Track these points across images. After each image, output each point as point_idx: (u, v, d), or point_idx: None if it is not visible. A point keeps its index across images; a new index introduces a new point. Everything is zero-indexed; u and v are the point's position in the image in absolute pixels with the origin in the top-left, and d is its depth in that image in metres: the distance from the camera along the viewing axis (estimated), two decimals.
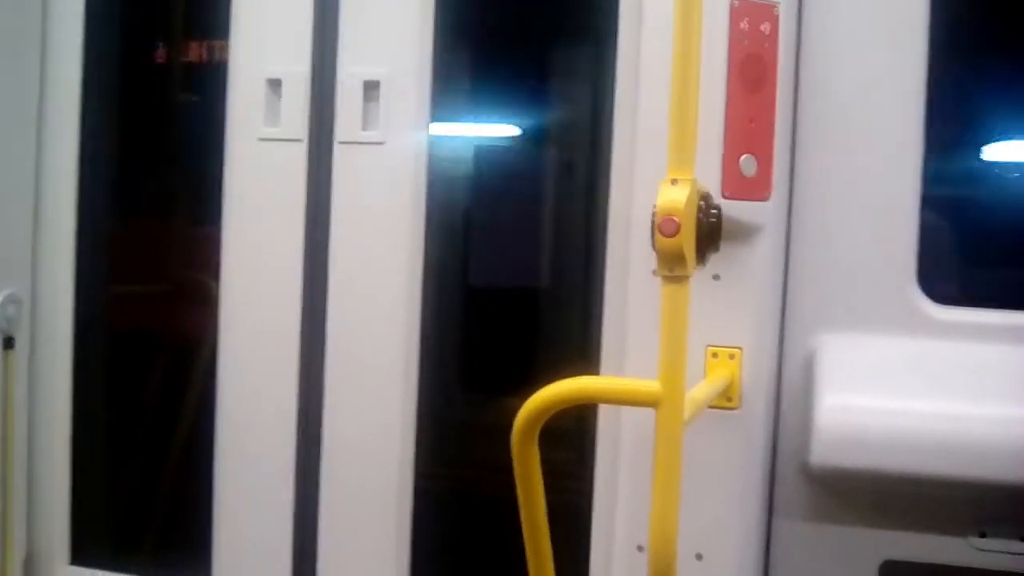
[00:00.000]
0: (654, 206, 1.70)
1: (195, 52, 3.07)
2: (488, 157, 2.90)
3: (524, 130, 2.90)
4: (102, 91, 2.95)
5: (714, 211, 1.87)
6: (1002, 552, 2.18)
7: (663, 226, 1.68)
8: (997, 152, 2.43)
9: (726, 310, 2.22)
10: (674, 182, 1.71)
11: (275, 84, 2.65)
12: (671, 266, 1.69)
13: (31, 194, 2.88)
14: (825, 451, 2.12)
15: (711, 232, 1.84)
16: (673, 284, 1.70)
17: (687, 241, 1.69)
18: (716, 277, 2.22)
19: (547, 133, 2.85)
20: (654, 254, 1.71)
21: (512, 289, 2.93)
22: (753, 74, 2.16)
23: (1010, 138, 2.40)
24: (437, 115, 2.61)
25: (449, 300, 2.79)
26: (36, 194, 2.89)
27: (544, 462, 1.85)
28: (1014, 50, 2.37)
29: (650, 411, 1.71)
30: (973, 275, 2.44)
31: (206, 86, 2.84)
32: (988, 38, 2.38)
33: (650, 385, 1.71)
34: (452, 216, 2.78)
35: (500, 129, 2.93)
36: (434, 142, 2.60)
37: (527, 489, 1.84)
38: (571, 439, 2.57)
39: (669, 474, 1.69)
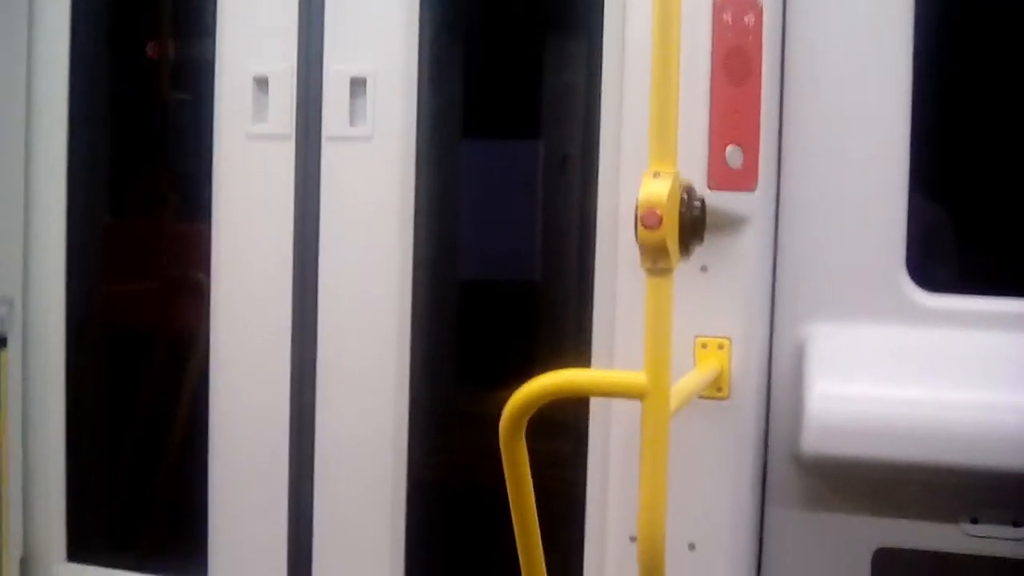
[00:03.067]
0: (637, 199, 1.71)
1: (182, 50, 3.07)
2: (477, 152, 2.90)
3: (513, 124, 2.89)
4: (90, 91, 2.95)
5: (697, 203, 1.87)
6: (994, 538, 2.19)
7: (645, 219, 1.68)
8: (984, 138, 2.42)
9: (715, 301, 2.23)
10: (656, 175, 1.71)
11: (262, 81, 2.65)
12: (654, 259, 1.70)
13: (21, 194, 2.88)
14: (816, 439, 2.13)
15: (694, 224, 1.84)
16: (657, 276, 1.70)
17: (670, 233, 1.69)
18: (704, 268, 2.22)
19: (536, 127, 2.84)
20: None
21: (503, 283, 2.93)
22: (737, 66, 2.16)
23: (998, 124, 2.40)
24: (424, 110, 2.60)
25: (439, 294, 2.79)
26: (26, 194, 2.89)
27: (541, 453, 1.85)
28: (999, 37, 2.37)
29: (639, 403, 1.72)
30: (962, 262, 2.44)
31: (194, 84, 2.83)
32: (973, 27, 2.38)
33: (636, 377, 1.72)
34: (442, 211, 2.78)
35: (489, 124, 2.92)
36: (421, 137, 2.60)
37: (516, 480, 1.84)
38: (567, 431, 2.58)
39: (656, 464, 1.70)
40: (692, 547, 2.26)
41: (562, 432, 2.59)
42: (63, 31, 2.87)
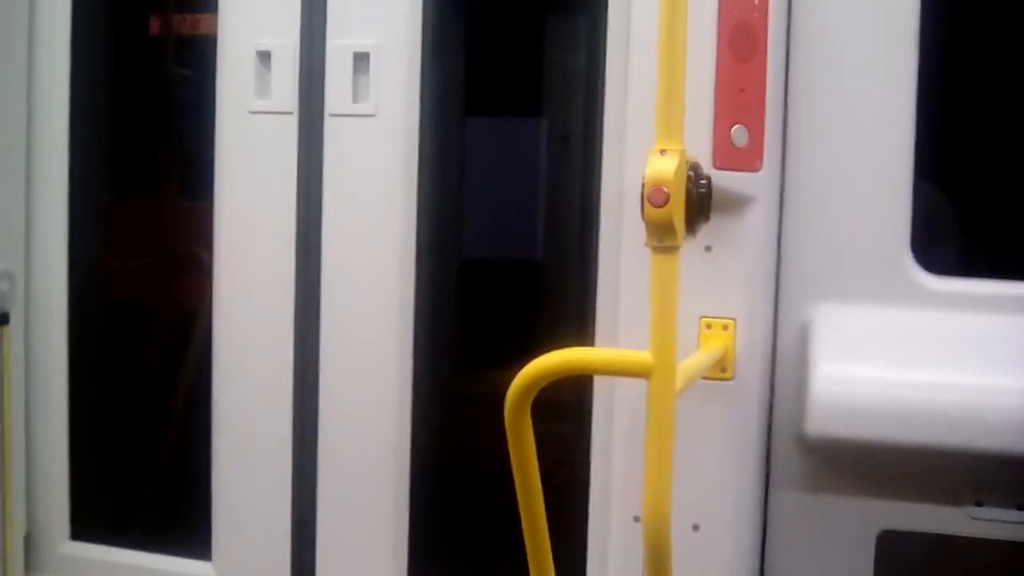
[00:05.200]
0: (643, 176, 1.70)
1: (186, 25, 3.05)
2: (479, 129, 2.89)
3: (516, 102, 2.88)
4: (92, 67, 2.93)
5: (703, 181, 1.86)
6: (999, 521, 2.19)
7: (652, 196, 1.67)
8: (991, 120, 2.41)
9: (719, 281, 2.21)
10: (663, 152, 1.70)
11: (265, 56, 2.63)
12: (660, 236, 1.69)
13: (23, 170, 2.86)
14: (820, 421, 2.12)
15: (701, 202, 1.83)
16: (663, 255, 1.69)
17: (676, 211, 1.68)
18: (708, 248, 2.21)
19: (539, 105, 2.83)
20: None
21: (506, 261, 2.92)
22: (743, 44, 2.14)
23: (1005, 105, 2.38)
24: (427, 87, 2.59)
25: (442, 273, 2.78)
26: (28, 170, 2.87)
27: (544, 433, 1.85)
28: (1007, 18, 2.35)
29: (643, 382, 1.71)
30: (967, 245, 2.43)
31: (197, 59, 2.82)
32: (982, 6, 2.36)
33: (641, 356, 1.71)
34: (444, 189, 2.77)
35: (491, 102, 2.91)
36: (424, 114, 2.58)
37: (521, 460, 1.84)
38: (570, 411, 2.57)
39: (662, 444, 1.69)
40: (696, 528, 2.25)
41: (566, 412, 2.59)
42: (65, 7, 2.85)
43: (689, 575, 2.20)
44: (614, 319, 2.32)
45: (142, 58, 3.14)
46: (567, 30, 2.78)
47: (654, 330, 1.69)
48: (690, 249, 2.08)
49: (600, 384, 2.40)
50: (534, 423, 1.82)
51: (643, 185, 1.69)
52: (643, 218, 1.69)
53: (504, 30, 2.87)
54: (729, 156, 2.17)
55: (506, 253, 2.91)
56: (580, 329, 2.50)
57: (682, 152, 1.71)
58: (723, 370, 2.22)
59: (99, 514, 3.05)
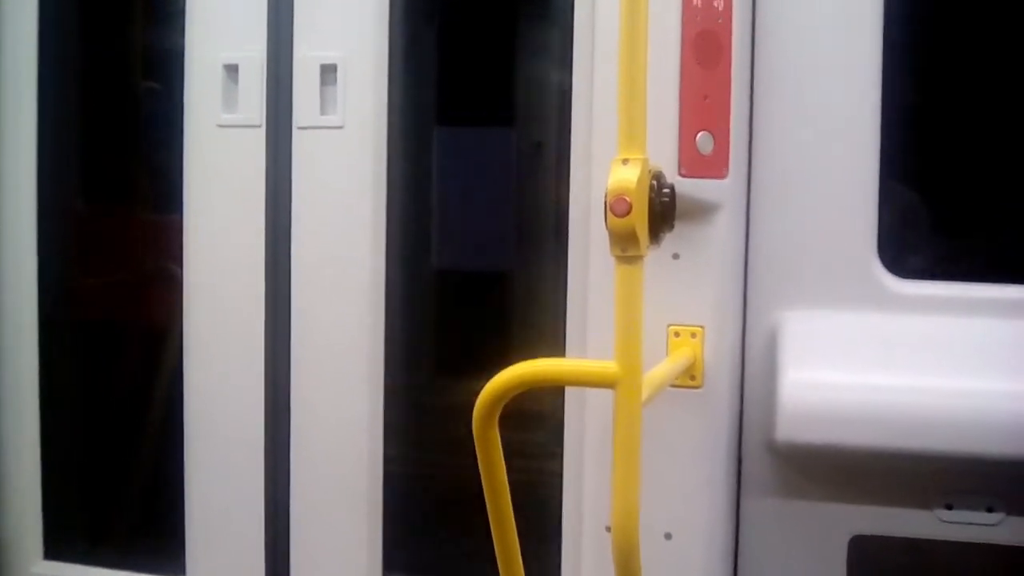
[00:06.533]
0: (606, 186, 1.70)
1: (152, 37, 3.04)
2: (449, 139, 2.88)
3: (486, 112, 2.87)
4: (60, 80, 2.92)
5: (666, 190, 1.86)
6: (969, 524, 2.20)
7: (614, 206, 1.67)
8: (957, 123, 2.42)
9: (687, 289, 2.22)
10: (625, 162, 1.70)
11: (232, 69, 2.62)
12: (624, 246, 1.69)
13: None
14: (790, 427, 2.13)
15: (664, 211, 1.83)
16: (627, 264, 1.70)
17: (639, 221, 1.68)
18: (676, 256, 2.21)
19: (509, 115, 2.83)
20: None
21: (477, 271, 2.92)
22: (707, 51, 2.15)
23: (970, 108, 2.39)
24: (395, 98, 2.59)
25: (413, 283, 2.78)
26: None
27: (517, 443, 1.84)
28: (969, 19, 2.36)
29: (612, 393, 1.71)
30: (934, 248, 2.44)
31: (164, 72, 2.81)
32: (945, 10, 2.37)
33: (607, 366, 1.71)
34: (415, 199, 2.76)
35: (461, 112, 2.90)
36: (393, 125, 2.58)
37: (489, 470, 1.84)
38: (544, 421, 2.57)
39: (629, 453, 1.69)
40: (668, 536, 2.25)
41: (539, 422, 2.59)
42: (31, 20, 2.84)
43: None
44: (583, 329, 2.32)
45: (111, 71, 3.12)
46: (537, 39, 2.78)
47: (618, 339, 1.69)
48: (657, 257, 2.08)
49: (571, 394, 2.40)
50: (510, 432, 1.81)
51: (606, 195, 1.70)
52: (607, 228, 1.70)
53: (473, 39, 2.87)
54: (695, 163, 2.17)
55: (477, 263, 2.91)
56: (553, 338, 2.50)
57: (644, 161, 1.71)
58: (692, 378, 2.22)
59: (73, 532, 3.02)
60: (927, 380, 2.10)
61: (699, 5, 2.14)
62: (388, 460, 2.64)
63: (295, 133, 2.60)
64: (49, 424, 2.95)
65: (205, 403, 2.71)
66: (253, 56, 2.60)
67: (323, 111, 2.57)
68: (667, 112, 2.15)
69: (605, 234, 1.74)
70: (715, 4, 2.14)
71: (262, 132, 2.61)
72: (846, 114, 2.22)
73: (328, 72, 2.56)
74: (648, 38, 1.70)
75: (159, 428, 3.01)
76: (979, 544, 2.20)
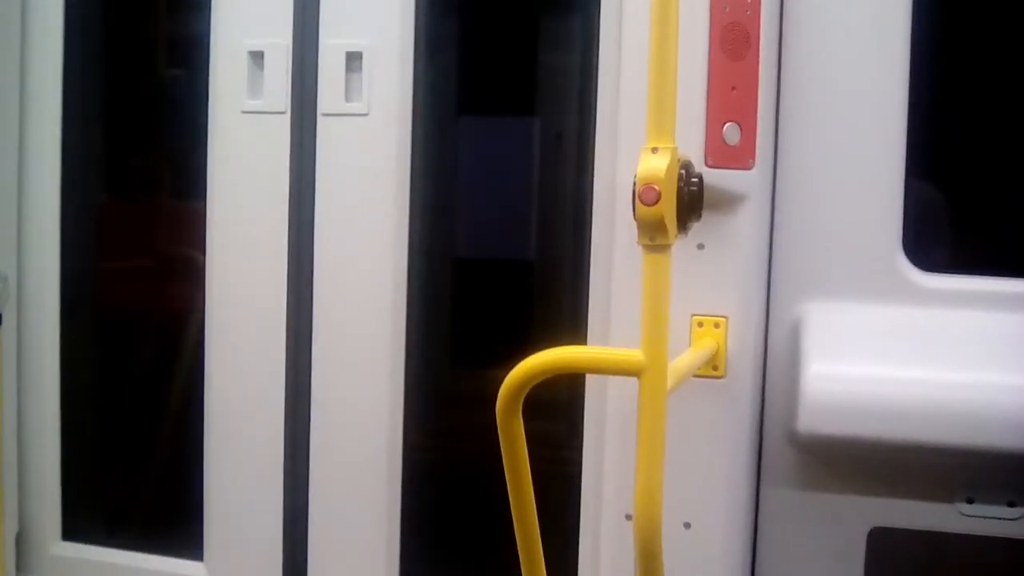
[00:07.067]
0: (635, 175, 1.70)
1: (177, 24, 3.04)
2: (472, 128, 2.88)
3: (509, 101, 2.87)
4: (85, 68, 2.93)
5: (695, 179, 1.86)
6: (990, 518, 2.19)
7: (643, 195, 1.67)
8: (983, 117, 2.41)
9: (711, 279, 2.22)
10: (654, 150, 1.70)
11: (257, 56, 2.63)
12: (652, 235, 1.69)
13: (15, 171, 2.86)
14: (812, 419, 2.12)
15: (692, 201, 1.83)
16: (654, 253, 1.70)
17: (668, 210, 1.68)
18: (701, 246, 2.21)
19: (532, 104, 2.83)
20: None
21: (500, 260, 2.92)
22: (735, 42, 2.15)
23: (997, 103, 2.39)
24: (420, 86, 2.59)
25: (435, 272, 2.78)
26: (20, 170, 2.87)
27: (536, 432, 1.85)
28: (1000, 14, 2.35)
29: (635, 381, 1.71)
30: (958, 242, 2.43)
31: (189, 60, 2.81)
32: (974, 3, 2.37)
33: (633, 354, 1.71)
34: (438, 188, 2.77)
35: (484, 101, 2.90)
36: (417, 113, 2.59)
37: (512, 459, 1.84)
38: (562, 410, 2.57)
39: (653, 442, 1.70)
40: (688, 526, 2.26)
41: (557, 411, 2.59)
42: (57, 9, 2.85)
43: (681, 573, 2.20)
44: (606, 318, 2.32)
45: (135, 59, 3.13)
46: (561, 28, 2.78)
47: (645, 328, 1.69)
48: (682, 247, 2.08)
49: (592, 383, 2.40)
50: (528, 421, 1.82)
51: (635, 183, 1.70)
52: (635, 217, 1.70)
53: (497, 28, 2.87)
54: (721, 154, 2.17)
55: (499, 252, 2.91)
56: (573, 328, 2.50)
57: (674, 150, 1.71)
58: (715, 368, 2.23)
59: (91, 514, 3.04)
60: (950, 374, 2.10)
61: None
62: (410, 447, 2.65)
63: (320, 120, 2.60)
64: (70, 407, 2.96)
65: (225, 390, 2.72)
66: (279, 43, 2.61)
67: (348, 98, 2.58)
68: (694, 102, 2.15)
69: (630, 223, 1.74)
70: None
71: (287, 119, 2.62)
72: (873, 107, 2.21)
73: (353, 60, 2.56)
74: (679, 28, 1.70)
75: (179, 413, 3.02)
76: (999, 538, 2.20)
